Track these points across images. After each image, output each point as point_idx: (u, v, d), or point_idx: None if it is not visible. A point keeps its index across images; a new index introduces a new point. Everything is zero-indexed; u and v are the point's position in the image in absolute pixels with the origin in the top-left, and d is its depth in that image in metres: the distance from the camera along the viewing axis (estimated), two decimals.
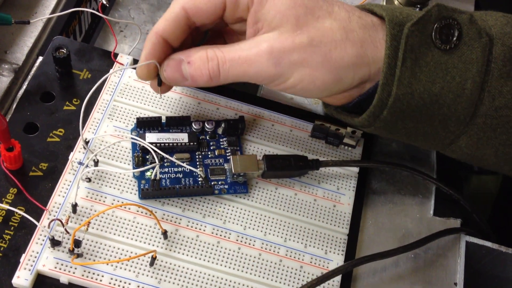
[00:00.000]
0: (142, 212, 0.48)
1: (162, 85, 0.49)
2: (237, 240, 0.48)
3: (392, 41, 0.45)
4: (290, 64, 0.46)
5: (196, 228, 0.48)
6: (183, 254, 0.47)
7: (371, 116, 0.47)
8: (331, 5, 0.47)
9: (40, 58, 0.55)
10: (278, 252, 0.48)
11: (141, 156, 0.49)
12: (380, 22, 0.47)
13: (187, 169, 0.49)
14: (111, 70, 0.53)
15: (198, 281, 0.46)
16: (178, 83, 0.48)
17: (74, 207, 0.46)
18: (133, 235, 0.47)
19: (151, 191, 0.48)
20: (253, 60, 0.45)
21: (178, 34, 0.48)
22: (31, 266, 0.44)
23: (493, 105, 0.46)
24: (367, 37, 0.46)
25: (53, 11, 0.58)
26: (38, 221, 0.45)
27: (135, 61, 0.55)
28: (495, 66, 0.46)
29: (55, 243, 0.45)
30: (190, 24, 0.48)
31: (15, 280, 0.43)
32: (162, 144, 0.50)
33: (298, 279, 0.48)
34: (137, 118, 0.51)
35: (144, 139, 0.49)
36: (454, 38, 0.46)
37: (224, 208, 0.49)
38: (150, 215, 0.47)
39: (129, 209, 0.48)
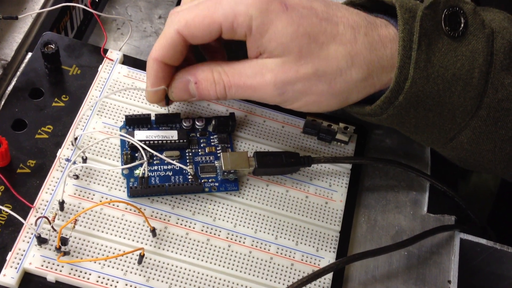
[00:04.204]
0: (130, 210, 0.47)
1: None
2: (227, 238, 0.48)
3: (405, 24, 0.45)
4: (294, 93, 0.46)
5: (185, 225, 0.47)
6: (172, 252, 0.46)
7: (385, 102, 0.46)
8: (335, 26, 0.46)
9: (29, 54, 0.54)
10: (269, 250, 0.48)
11: (130, 154, 0.49)
12: (387, 34, 0.46)
13: (177, 166, 0.49)
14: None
15: (187, 279, 0.45)
16: (185, 101, 0.50)
17: (62, 204, 0.46)
18: (121, 232, 0.46)
19: (140, 189, 0.47)
20: (257, 88, 0.46)
21: (177, 56, 0.48)
22: (18, 264, 0.43)
23: (496, 97, 0.46)
24: (374, 59, 0.46)
25: (43, 7, 0.58)
26: (25, 218, 0.44)
27: (125, 57, 0.55)
28: (497, 58, 0.46)
29: (41, 240, 0.44)
30: (187, 45, 0.48)
31: (1, 278, 0.43)
32: (152, 142, 0.49)
33: (289, 277, 0.47)
34: (126, 116, 0.50)
35: (133, 137, 0.48)
36: (461, 27, 0.46)
37: (214, 205, 0.49)
38: (139, 212, 0.46)
39: (118, 206, 0.47)
